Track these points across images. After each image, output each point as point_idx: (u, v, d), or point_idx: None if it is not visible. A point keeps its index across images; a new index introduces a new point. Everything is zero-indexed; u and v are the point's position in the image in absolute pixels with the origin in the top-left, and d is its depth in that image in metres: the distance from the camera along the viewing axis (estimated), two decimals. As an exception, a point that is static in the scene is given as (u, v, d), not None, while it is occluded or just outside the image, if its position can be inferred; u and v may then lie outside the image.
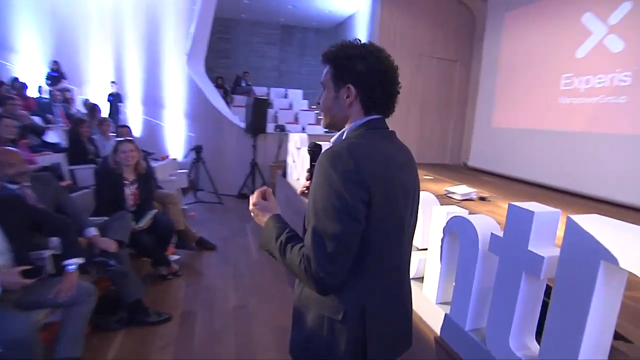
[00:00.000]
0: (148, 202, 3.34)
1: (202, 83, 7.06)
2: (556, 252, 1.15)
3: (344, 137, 1.03)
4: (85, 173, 3.96)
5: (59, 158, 4.26)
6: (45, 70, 8.08)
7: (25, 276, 1.82)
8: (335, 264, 0.87)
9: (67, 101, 7.16)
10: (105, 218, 2.87)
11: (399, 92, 1.05)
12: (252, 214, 1.08)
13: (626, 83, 4.80)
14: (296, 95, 10.32)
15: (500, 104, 7.08)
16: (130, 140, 3.27)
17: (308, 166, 1.20)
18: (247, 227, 5.10)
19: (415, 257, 1.83)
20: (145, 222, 3.16)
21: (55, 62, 8.07)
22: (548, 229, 1.18)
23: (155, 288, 3.22)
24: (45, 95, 7.25)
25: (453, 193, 4.76)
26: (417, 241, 1.88)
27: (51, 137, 5.36)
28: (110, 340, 2.47)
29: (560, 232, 1.11)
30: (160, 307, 2.84)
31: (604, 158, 5.07)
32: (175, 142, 7.47)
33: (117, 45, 7.75)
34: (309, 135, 4.89)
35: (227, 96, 8.89)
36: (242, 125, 6.85)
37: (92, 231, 2.54)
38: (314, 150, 1.17)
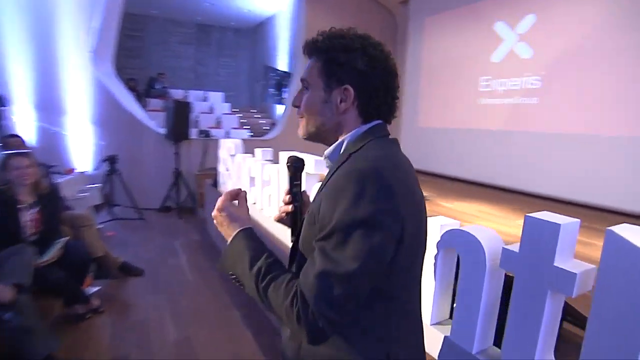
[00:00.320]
0: (54, 228, 2.72)
1: (111, 84, 6.22)
2: (584, 266, 1.06)
3: (342, 150, 0.82)
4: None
5: None
6: None
7: None
8: (341, 311, 0.68)
9: None
10: (-4, 255, 2.23)
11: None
12: (215, 221, 0.86)
13: (536, 86, 5.30)
14: (216, 98, 9.75)
15: (425, 104, 7.41)
16: (25, 154, 2.63)
17: (280, 185, 0.96)
18: (176, 244, 4.55)
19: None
20: (52, 253, 2.55)
21: None
22: (570, 242, 1.08)
23: (71, 333, 2.60)
24: None
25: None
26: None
27: None
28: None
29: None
30: (81, 358, 2.29)
31: (521, 153, 5.54)
32: (82, 152, 6.47)
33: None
34: (245, 140, 4.53)
35: (140, 99, 8.02)
36: (161, 131, 6.18)
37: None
38: (296, 166, 0.93)
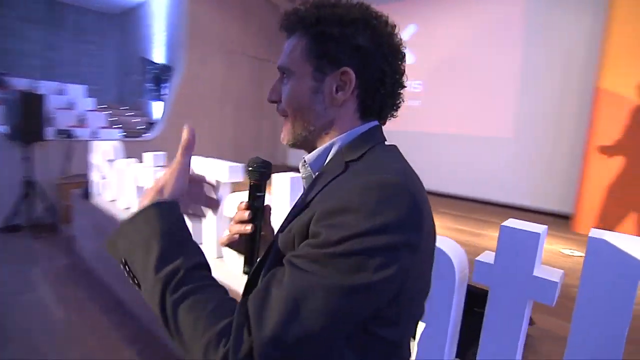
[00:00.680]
0: None
1: None
2: (557, 272, 1.07)
3: (331, 156, 0.66)
4: None
5: None
6: None
7: None
8: (303, 353, 0.47)
9: None
10: None
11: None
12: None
13: (418, 90, 5.84)
14: (77, 91, 8.22)
15: (318, 104, 7.55)
16: None
17: (237, 196, 0.76)
18: (33, 272, 3.59)
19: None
20: None
21: None
22: (541, 249, 1.09)
23: None
24: None
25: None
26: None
27: None
28: None
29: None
30: None
31: (404, 152, 6.03)
32: None
33: None
34: (125, 141, 3.85)
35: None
36: (2, 129, 4.91)
37: None
38: (262, 172, 0.70)
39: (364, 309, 0.50)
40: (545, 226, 1.09)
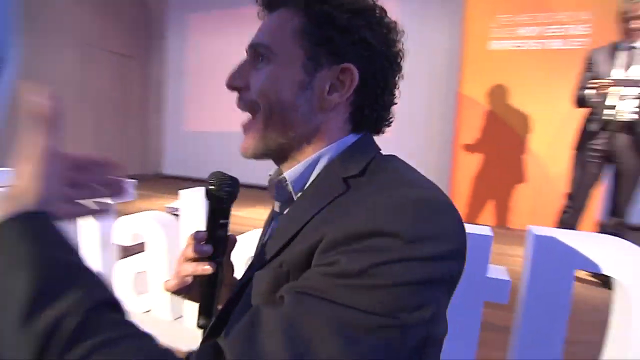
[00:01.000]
0: None
1: None
2: (504, 271, 1.15)
3: (317, 172, 0.53)
4: None
5: None
6: None
7: None
8: None
9: None
10: None
11: None
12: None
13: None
14: None
15: (193, 106, 6.94)
16: None
17: (202, 222, 0.60)
18: None
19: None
20: None
21: None
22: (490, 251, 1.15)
23: None
24: None
25: (177, 209, 4.18)
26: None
27: None
28: None
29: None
30: None
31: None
32: None
33: None
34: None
35: None
36: None
37: None
38: (229, 192, 0.53)
39: (392, 355, 0.36)
40: (489, 227, 1.15)
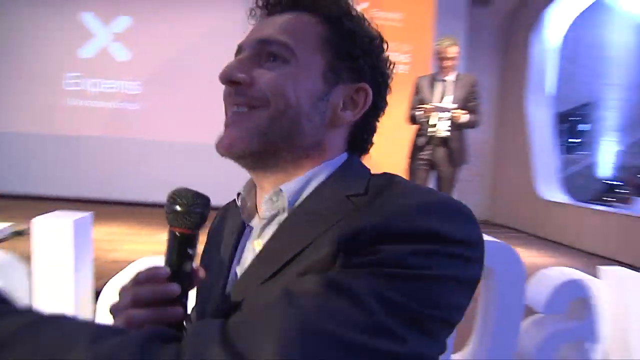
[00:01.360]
0: None
1: None
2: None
3: (312, 189, 0.49)
4: None
5: None
6: None
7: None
8: None
9: None
10: None
11: None
12: None
13: (137, 91, 5.18)
14: None
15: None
16: None
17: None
18: None
19: None
20: None
21: None
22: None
23: None
24: None
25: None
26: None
27: None
28: None
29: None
30: None
31: (124, 161, 5.20)
32: None
33: None
34: None
35: None
36: None
37: None
38: (199, 214, 0.44)
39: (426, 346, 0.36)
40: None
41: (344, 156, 0.52)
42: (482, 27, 5.32)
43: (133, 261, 1.18)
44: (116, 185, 5.26)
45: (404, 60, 4.60)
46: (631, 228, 3.98)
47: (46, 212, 1.19)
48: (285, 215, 0.48)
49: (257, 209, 0.53)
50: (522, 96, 5.48)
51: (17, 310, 0.33)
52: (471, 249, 0.39)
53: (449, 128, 2.90)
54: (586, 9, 5.49)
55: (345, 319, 0.31)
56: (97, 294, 1.22)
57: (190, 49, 5.12)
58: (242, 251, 0.52)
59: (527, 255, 3.95)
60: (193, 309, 0.55)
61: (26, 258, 1.21)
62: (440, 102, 2.95)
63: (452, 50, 2.91)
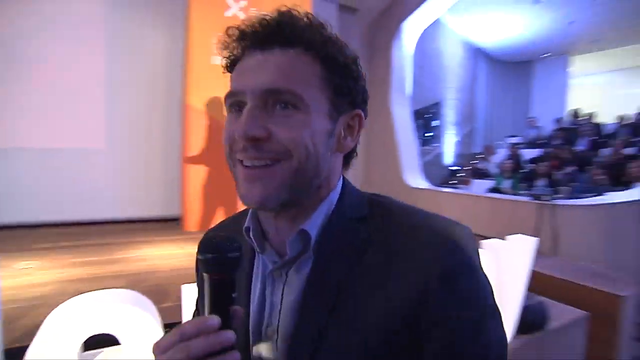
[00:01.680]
0: None
1: None
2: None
3: (325, 218, 0.52)
4: None
5: None
6: None
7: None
8: None
9: None
10: None
11: None
12: None
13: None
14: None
15: None
16: None
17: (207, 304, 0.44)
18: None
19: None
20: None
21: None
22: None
23: None
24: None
25: None
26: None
27: None
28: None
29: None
30: None
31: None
32: None
33: None
34: None
35: None
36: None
37: None
38: (237, 259, 0.44)
39: None
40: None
41: (341, 180, 0.55)
42: (350, 32, 5.77)
43: None
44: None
45: None
46: (471, 204, 4.96)
47: None
48: (310, 255, 0.50)
49: (268, 243, 0.54)
50: (386, 97, 6.16)
51: None
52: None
53: None
54: (430, 25, 6.49)
55: None
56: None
57: (41, 42, 4.25)
58: (267, 290, 0.53)
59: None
60: None
61: None
62: None
63: None
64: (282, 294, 0.51)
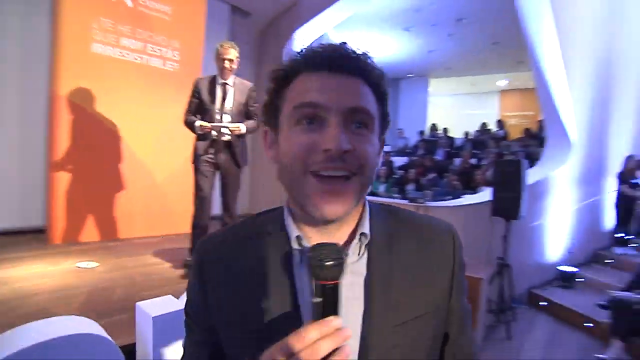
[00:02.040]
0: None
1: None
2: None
3: (368, 219, 0.61)
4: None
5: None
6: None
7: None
8: None
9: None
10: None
11: None
12: None
13: None
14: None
15: None
16: None
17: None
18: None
19: None
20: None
21: None
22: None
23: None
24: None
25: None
26: None
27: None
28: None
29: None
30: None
31: None
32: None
33: None
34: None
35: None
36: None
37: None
38: (342, 263, 0.49)
39: None
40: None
41: None
42: (242, 35, 5.69)
43: None
44: None
45: (173, 58, 4.38)
46: None
47: None
48: (365, 253, 0.58)
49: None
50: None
51: None
52: None
53: (230, 133, 2.96)
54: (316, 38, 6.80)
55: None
56: None
57: None
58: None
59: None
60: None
61: None
62: (222, 106, 2.96)
63: (233, 53, 2.93)
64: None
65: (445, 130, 9.68)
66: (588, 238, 4.73)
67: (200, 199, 3.02)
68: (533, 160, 4.75)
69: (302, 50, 0.57)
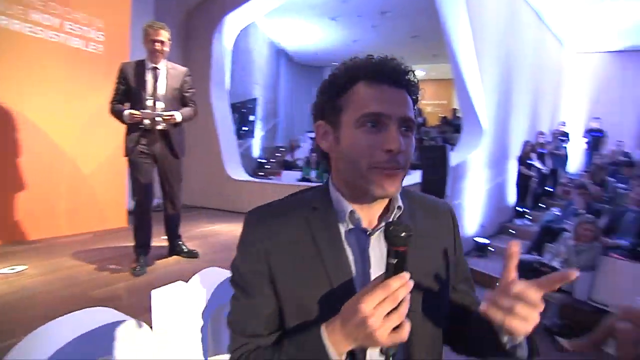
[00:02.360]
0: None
1: None
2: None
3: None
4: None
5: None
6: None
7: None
8: None
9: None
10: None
11: None
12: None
13: None
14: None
15: None
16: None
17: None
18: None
19: None
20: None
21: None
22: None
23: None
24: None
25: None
26: None
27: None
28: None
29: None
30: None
31: None
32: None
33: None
34: None
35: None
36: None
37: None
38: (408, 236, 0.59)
39: None
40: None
41: None
42: (166, 17, 5.33)
43: None
44: None
45: (97, 38, 3.96)
46: (283, 192, 5.48)
47: None
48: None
49: (362, 219, 0.70)
50: (205, 89, 5.98)
51: None
52: None
53: (165, 126, 2.79)
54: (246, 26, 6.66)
55: None
56: None
57: None
58: (366, 254, 0.69)
59: (224, 228, 4.59)
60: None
61: None
62: (153, 92, 2.75)
63: (164, 34, 2.74)
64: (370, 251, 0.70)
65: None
66: (496, 213, 5.41)
67: (140, 196, 2.83)
68: (450, 145, 5.27)
69: (355, 58, 0.71)
